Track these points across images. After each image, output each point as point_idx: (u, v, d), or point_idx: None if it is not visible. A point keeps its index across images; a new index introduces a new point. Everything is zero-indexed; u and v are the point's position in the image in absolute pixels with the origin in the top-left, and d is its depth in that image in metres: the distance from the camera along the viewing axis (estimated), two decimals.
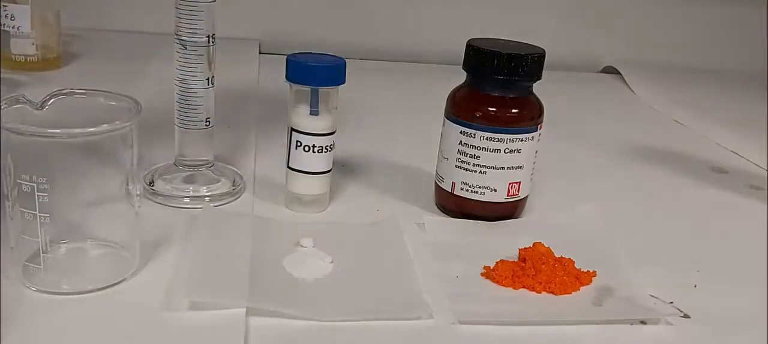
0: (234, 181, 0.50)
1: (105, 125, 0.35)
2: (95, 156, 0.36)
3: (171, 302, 0.36)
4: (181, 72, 0.46)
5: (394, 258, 0.43)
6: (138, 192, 0.39)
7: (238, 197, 0.49)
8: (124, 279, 0.38)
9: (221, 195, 0.48)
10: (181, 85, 0.47)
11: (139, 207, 0.39)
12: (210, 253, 0.41)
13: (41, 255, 0.36)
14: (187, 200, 0.48)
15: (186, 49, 0.45)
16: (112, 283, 0.37)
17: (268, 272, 0.40)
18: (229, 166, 0.52)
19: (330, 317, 0.37)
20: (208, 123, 0.48)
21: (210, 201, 0.48)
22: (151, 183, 0.49)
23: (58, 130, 0.34)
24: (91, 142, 0.35)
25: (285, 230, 0.45)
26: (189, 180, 0.49)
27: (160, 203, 0.47)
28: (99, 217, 0.38)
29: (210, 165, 0.50)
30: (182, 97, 0.47)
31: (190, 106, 0.47)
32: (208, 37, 0.46)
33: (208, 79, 0.47)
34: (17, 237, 0.36)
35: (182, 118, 0.47)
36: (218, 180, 0.50)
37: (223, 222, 0.45)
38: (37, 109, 0.36)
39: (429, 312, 0.38)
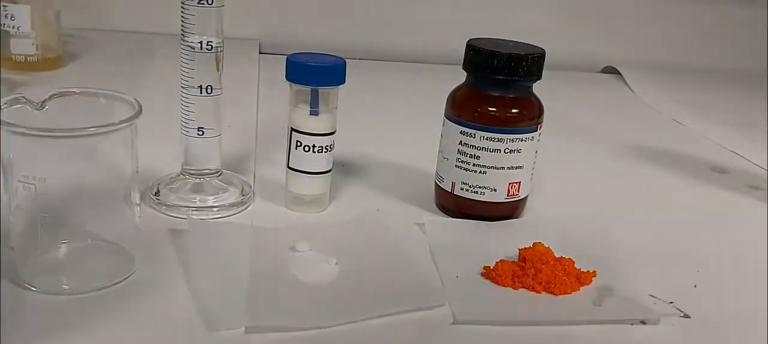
0: (242, 191, 0.49)
1: (105, 125, 0.35)
2: (95, 155, 0.36)
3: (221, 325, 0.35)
4: (181, 75, 0.45)
5: (394, 253, 0.43)
6: (138, 193, 0.39)
7: (247, 207, 0.48)
8: (124, 279, 0.38)
9: (229, 206, 0.47)
10: (181, 88, 0.46)
11: (140, 206, 0.39)
12: (226, 272, 0.39)
13: (41, 255, 0.36)
14: (193, 211, 0.46)
15: (183, 51, 0.45)
16: (112, 283, 0.37)
17: (282, 284, 0.39)
18: (237, 175, 0.51)
19: (356, 317, 0.37)
20: (200, 132, 0.46)
21: (196, 212, 0.46)
22: (157, 193, 0.47)
23: (58, 130, 0.34)
24: (91, 142, 0.35)
25: (277, 236, 0.44)
26: (196, 189, 0.48)
27: (164, 213, 0.46)
28: (99, 217, 0.38)
29: (217, 174, 0.49)
30: (182, 102, 0.46)
31: (184, 112, 0.46)
32: (201, 43, 0.44)
33: (200, 86, 0.45)
34: (17, 236, 0.36)
35: (182, 123, 0.46)
36: (226, 190, 0.48)
37: (219, 236, 0.43)
38: (37, 109, 0.36)
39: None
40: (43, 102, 0.36)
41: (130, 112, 0.36)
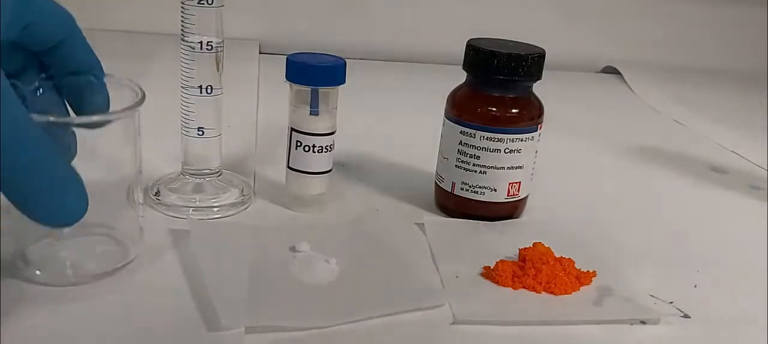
0: (242, 191, 0.49)
1: (108, 111, 0.34)
2: (98, 145, 0.36)
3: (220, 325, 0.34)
4: (181, 75, 0.45)
5: (394, 252, 0.43)
6: (141, 192, 0.39)
7: (247, 207, 0.48)
8: (125, 273, 0.38)
9: (229, 206, 0.47)
10: (181, 88, 0.46)
11: (141, 197, 0.39)
12: (226, 272, 0.39)
13: (44, 247, 0.36)
14: (193, 211, 0.46)
15: (183, 51, 0.45)
16: (112, 283, 0.37)
17: (282, 284, 0.39)
18: (237, 175, 0.51)
19: (355, 317, 0.36)
20: (200, 132, 0.46)
21: (196, 212, 0.46)
22: (157, 193, 0.47)
23: (60, 118, 0.33)
24: (94, 130, 0.35)
25: (277, 236, 0.44)
26: (196, 189, 0.48)
27: (164, 213, 0.46)
28: (101, 210, 0.38)
29: (217, 174, 0.49)
30: (182, 102, 0.46)
31: (184, 112, 0.46)
32: (201, 43, 0.44)
33: (200, 86, 0.45)
34: (18, 230, 0.36)
35: (182, 123, 0.46)
36: (226, 190, 0.48)
37: (219, 236, 0.43)
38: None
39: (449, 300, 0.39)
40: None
41: (134, 99, 0.36)
